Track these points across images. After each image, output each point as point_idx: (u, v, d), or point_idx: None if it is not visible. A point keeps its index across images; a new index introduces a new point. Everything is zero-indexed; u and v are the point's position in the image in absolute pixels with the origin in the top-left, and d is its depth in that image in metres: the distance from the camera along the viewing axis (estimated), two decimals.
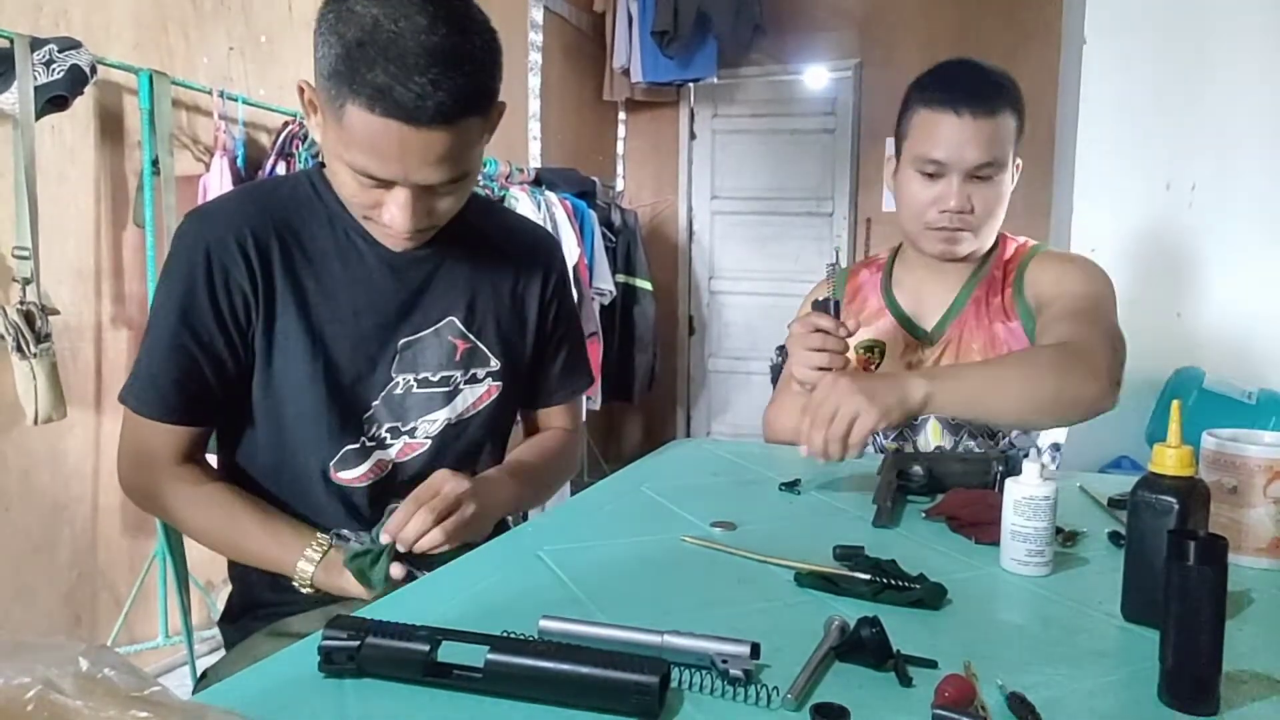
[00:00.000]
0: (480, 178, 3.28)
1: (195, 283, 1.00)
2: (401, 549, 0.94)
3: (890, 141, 1.44)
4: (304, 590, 0.99)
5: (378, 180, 0.92)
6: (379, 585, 0.93)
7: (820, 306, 1.24)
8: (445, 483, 0.98)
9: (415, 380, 1.09)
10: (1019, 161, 1.37)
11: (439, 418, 1.11)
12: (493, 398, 1.15)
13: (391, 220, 0.96)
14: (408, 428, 1.09)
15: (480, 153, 0.99)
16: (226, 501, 1.03)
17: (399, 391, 1.08)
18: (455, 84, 0.87)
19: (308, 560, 0.98)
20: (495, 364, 1.15)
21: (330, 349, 1.04)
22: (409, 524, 0.94)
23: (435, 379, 1.10)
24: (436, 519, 0.94)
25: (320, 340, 1.04)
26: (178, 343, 1.00)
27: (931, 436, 1.39)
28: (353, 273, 1.06)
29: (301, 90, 0.97)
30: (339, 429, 1.05)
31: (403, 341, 1.08)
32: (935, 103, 1.29)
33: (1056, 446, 1.42)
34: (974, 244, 1.35)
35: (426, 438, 1.10)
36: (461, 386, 1.12)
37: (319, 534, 1.01)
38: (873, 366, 1.38)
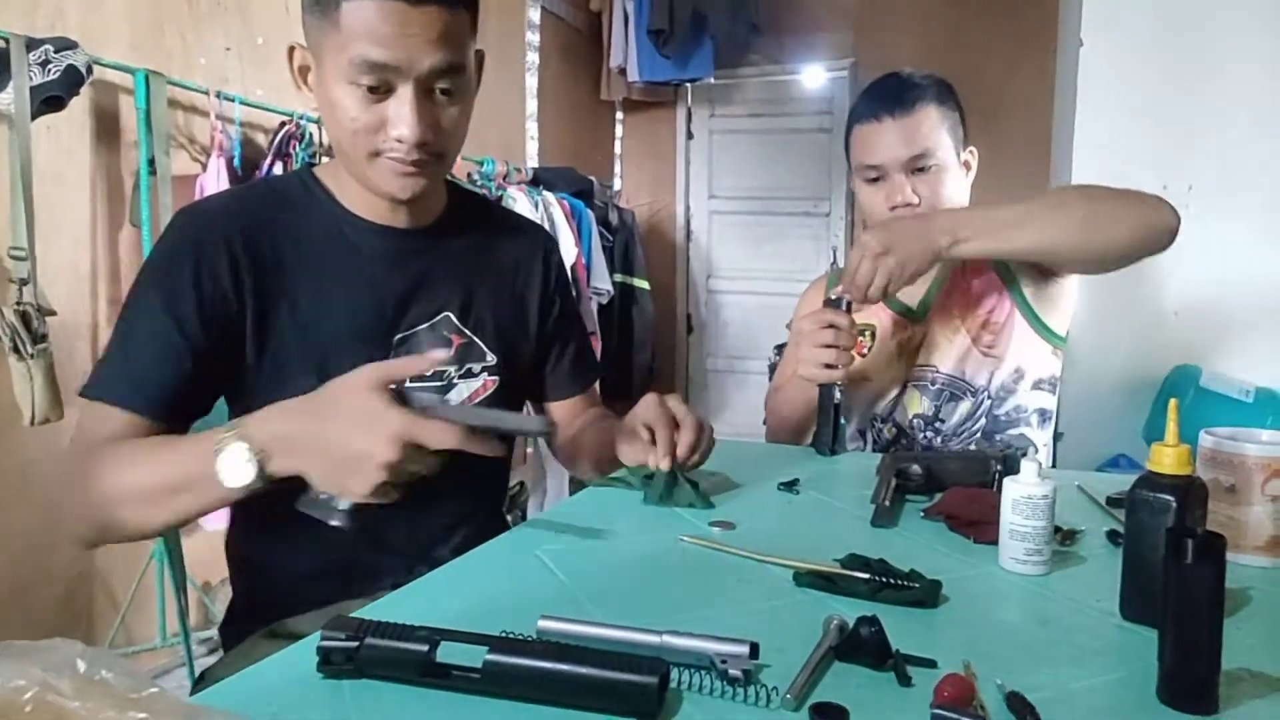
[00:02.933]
0: (477, 177, 3.30)
1: (181, 276, 0.97)
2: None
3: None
4: (230, 461, 0.80)
5: (380, 81, 0.93)
6: (685, 503, 1.03)
7: (835, 304, 1.26)
8: (671, 404, 1.07)
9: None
10: (972, 150, 1.44)
11: None
12: (489, 392, 1.15)
13: (399, 128, 0.95)
14: None
15: (471, 65, 1.00)
16: (140, 440, 0.91)
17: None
18: None
19: (223, 431, 0.82)
20: (492, 359, 1.15)
21: (326, 346, 1.03)
22: (682, 446, 1.03)
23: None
24: (696, 435, 1.05)
25: (315, 337, 1.03)
26: (158, 330, 0.96)
27: (909, 406, 1.43)
28: (347, 269, 1.05)
29: (291, 54, 1.00)
30: None
31: (398, 337, 1.08)
32: (861, 117, 1.41)
33: (1047, 413, 1.45)
34: None
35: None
36: (456, 381, 1.12)
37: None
38: (866, 349, 1.41)
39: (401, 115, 0.95)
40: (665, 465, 1.02)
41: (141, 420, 0.94)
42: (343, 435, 0.77)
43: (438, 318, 1.10)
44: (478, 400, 1.14)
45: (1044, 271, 1.41)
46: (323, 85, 0.97)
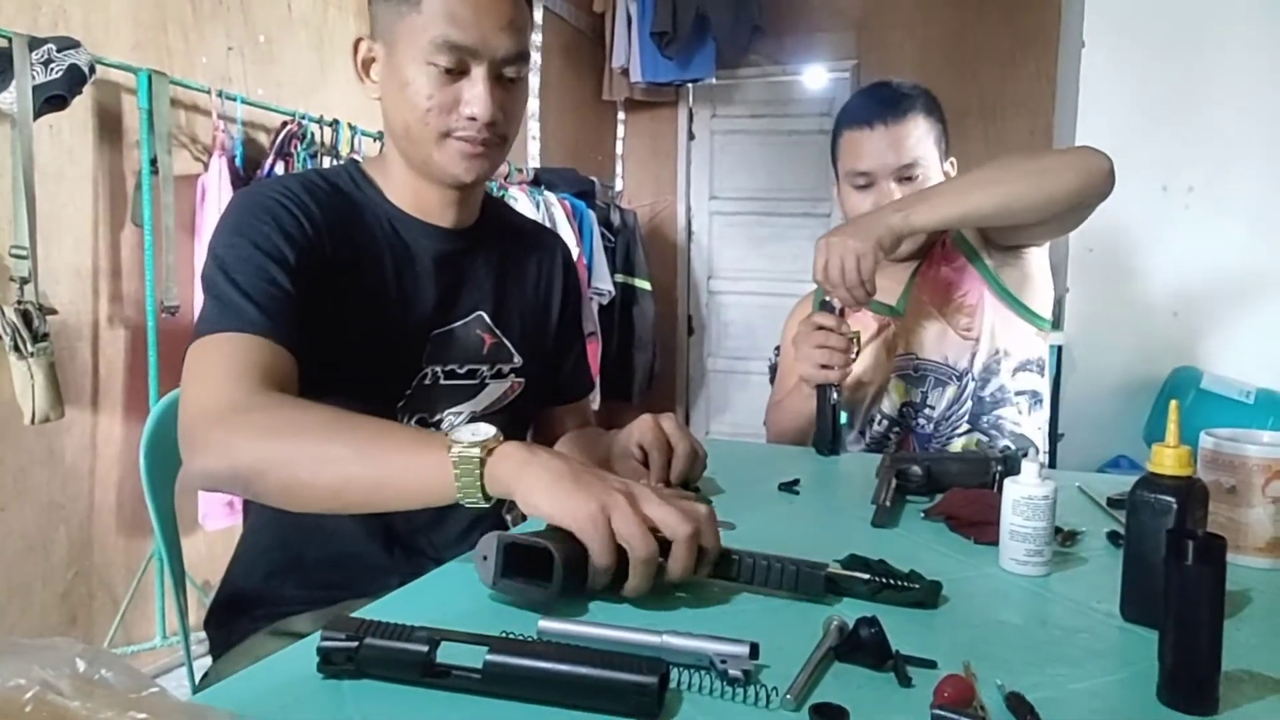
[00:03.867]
0: None
1: (262, 222, 0.97)
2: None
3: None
4: (467, 490, 0.74)
5: (457, 62, 0.98)
6: None
7: (826, 307, 1.28)
8: (668, 424, 1.05)
9: (442, 371, 1.09)
10: (952, 161, 1.48)
11: (463, 410, 1.12)
12: (515, 394, 1.16)
13: (472, 107, 1.00)
14: (434, 419, 1.10)
15: (530, 58, 1.05)
16: (347, 413, 0.84)
17: (427, 382, 1.09)
18: None
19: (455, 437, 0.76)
20: (518, 360, 1.16)
21: (371, 337, 1.04)
22: (676, 471, 1.03)
23: (461, 371, 1.11)
24: (689, 458, 1.04)
25: (364, 327, 1.03)
26: (256, 265, 0.93)
27: (896, 396, 1.47)
28: (397, 264, 1.07)
29: (356, 46, 1.05)
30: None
31: (435, 333, 1.09)
32: (852, 123, 1.44)
33: (1037, 396, 1.48)
34: (922, 238, 1.46)
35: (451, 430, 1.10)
36: (488, 381, 1.14)
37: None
38: (854, 352, 1.43)
39: (476, 94, 1.00)
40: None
41: (270, 344, 0.90)
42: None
43: (471, 316, 1.12)
44: (508, 401, 1.15)
45: (1008, 248, 1.44)
46: (394, 69, 1.01)
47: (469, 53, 0.99)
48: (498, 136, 1.04)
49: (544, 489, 0.71)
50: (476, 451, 0.73)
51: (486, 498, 0.74)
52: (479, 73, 1.00)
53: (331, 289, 1.00)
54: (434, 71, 0.99)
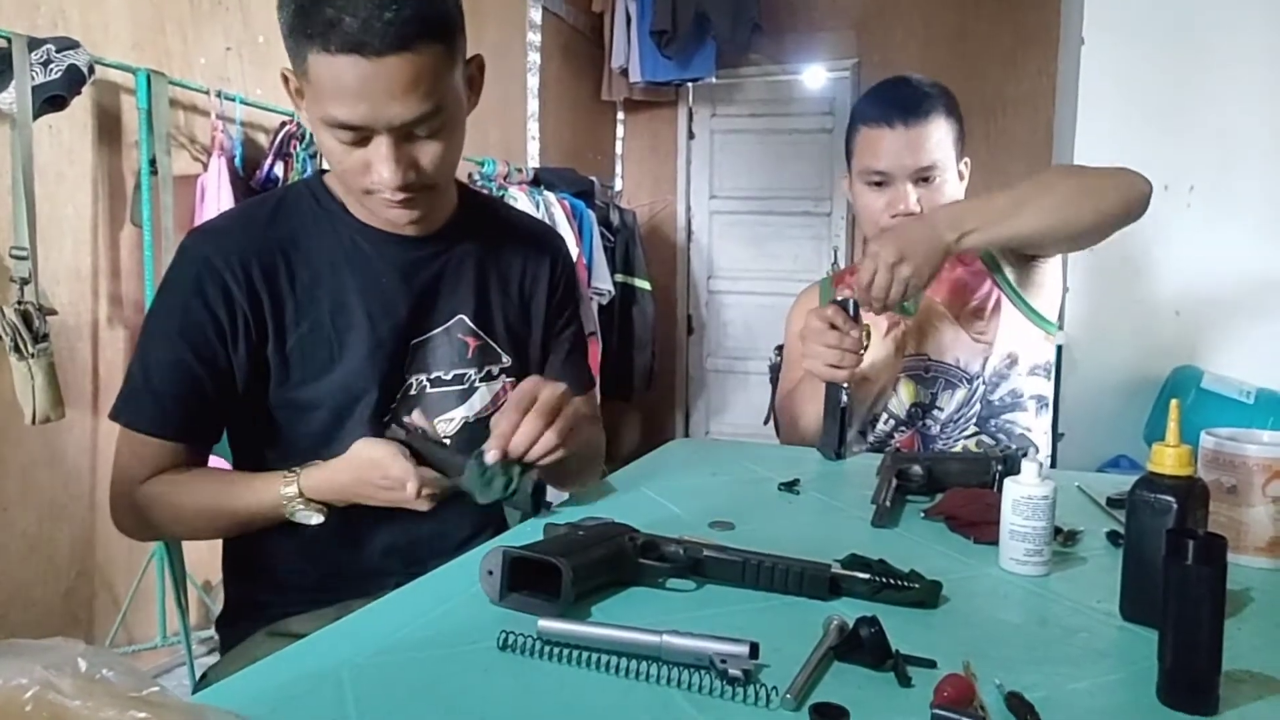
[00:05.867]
0: (478, 177, 3.29)
1: (196, 302, 0.99)
2: (513, 457, 0.93)
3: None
4: (300, 511, 0.97)
5: (355, 133, 0.92)
6: (507, 497, 0.93)
7: (841, 305, 1.27)
8: (541, 386, 0.96)
9: (428, 380, 1.08)
10: (966, 160, 1.46)
11: (455, 416, 1.10)
12: (506, 396, 1.15)
13: (379, 178, 0.94)
14: None
15: (456, 93, 0.96)
16: (202, 474, 1.04)
17: (413, 393, 1.08)
18: (402, 7, 0.86)
19: (286, 483, 0.97)
20: (507, 360, 1.15)
21: (347, 356, 1.03)
22: (518, 433, 0.92)
23: (448, 377, 1.10)
24: (545, 423, 0.93)
25: (338, 349, 1.03)
26: (178, 358, 0.98)
27: (905, 396, 1.46)
28: (363, 279, 1.05)
29: (285, 79, 0.98)
30: (359, 435, 1.04)
31: (414, 342, 1.08)
32: (871, 119, 1.40)
33: (1043, 400, 1.47)
34: None
35: (445, 438, 1.10)
36: (477, 384, 1.12)
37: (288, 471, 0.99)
38: (864, 348, 1.43)
39: (380, 159, 0.93)
40: (491, 457, 0.92)
41: (172, 444, 1.01)
42: (373, 495, 0.96)
43: (451, 321, 1.11)
44: (500, 403, 1.13)
45: (1026, 256, 1.44)
46: (309, 118, 0.97)
47: (363, 129, 0.91)
48: (422, 187, 0.98)
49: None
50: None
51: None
52: (381, 140, 0.92)
53: (285, 328, 1.01)
54: (336, 143, 0.94)
